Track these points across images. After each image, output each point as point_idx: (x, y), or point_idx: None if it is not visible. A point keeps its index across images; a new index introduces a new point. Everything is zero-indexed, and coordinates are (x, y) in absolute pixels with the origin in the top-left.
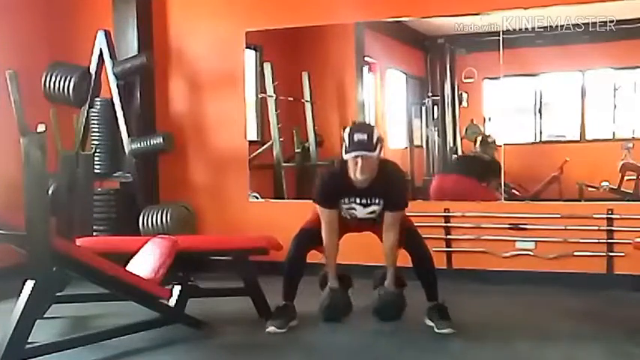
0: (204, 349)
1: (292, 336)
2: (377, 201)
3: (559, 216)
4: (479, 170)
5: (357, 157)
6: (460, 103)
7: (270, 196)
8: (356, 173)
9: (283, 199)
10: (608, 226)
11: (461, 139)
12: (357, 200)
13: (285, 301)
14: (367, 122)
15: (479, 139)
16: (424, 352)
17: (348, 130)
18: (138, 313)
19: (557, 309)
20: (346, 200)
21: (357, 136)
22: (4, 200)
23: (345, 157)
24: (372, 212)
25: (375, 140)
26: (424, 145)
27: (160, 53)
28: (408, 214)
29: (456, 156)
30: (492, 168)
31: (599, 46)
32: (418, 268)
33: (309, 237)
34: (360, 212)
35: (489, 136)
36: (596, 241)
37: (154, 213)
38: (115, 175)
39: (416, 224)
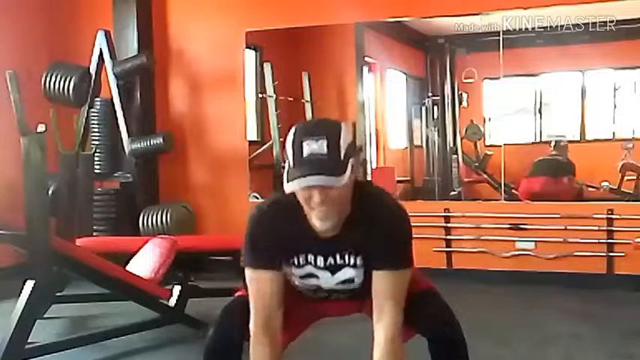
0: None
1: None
2: (354, 260)
3: (559, 216)
4: (559, 170)
5: (310, 187)
6: (460, 103)
7: None
8: (312, 217)
9: None
10: (608, 226)
11: (461, 139)
12: (319, 260)
13: None
14: (328, 120)
15: (552, 142)
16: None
17: (292, 133)
18: (138, 313)
19: (557, 309)
20: (298, 260)
21: (308, 146)
22: (4, 200)
23: (287, 187)
24: (347, 281)
25: (343, 151)
26: (424, 145)
27: (160, 53)
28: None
29: (537, 160)
30: (568, 167)
31: (599, 46)
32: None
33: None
34: (327, 281)
35: (562, 139)
36: (596, 241)
37: (153, 213)
38: (115, 175)
39: (416, 224)
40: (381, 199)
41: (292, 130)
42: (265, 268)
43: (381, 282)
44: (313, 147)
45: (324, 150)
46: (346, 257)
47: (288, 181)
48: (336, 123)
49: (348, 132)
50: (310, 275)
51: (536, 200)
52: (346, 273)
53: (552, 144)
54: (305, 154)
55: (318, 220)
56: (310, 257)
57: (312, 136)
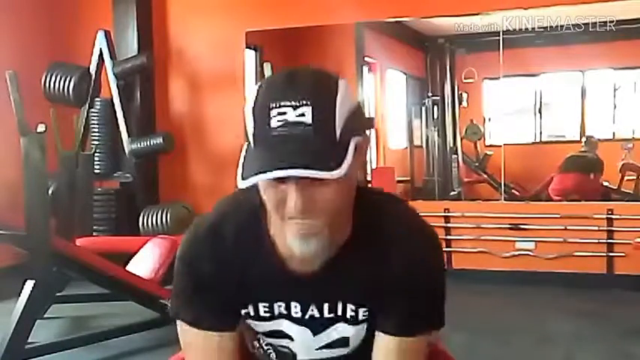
0: None
1: None
2: (354, 312)
3: (559, 216)
4: (590, 167)
5: (281, 181)
6: (460, 103)
7: None
8: (287, 235)
9: None
10: (608, 226)
11: (461, 139)
12: (294, 309)
13: None
14: (316, 70)
15: (583, 139)
16: None
17: (255, 92)
18: (138, 313)
19: (557, 309)
20: (258, 309)
21: (279, 115)
22: (4, 200)
23: (242, 183)
24: (337, 343)
25: (340, 124)
26: (424, 145)
27: (160, 53)
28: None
29: (569, 155)
30: (598, 164)
31: (599, 46)
32: None
33: None
34: (304, 343)
35: (592, 136)
36: (596, 241)
37: (153, 213)
38: (115, 175)
39: None
40: (402, 216)
41: (256, 88)
42: (211, 327)
43: (391, 354)
44: (289, 116)
45: (308, 120)
46: (340, 307)
47: (243, 175)
48: (328, 76)
49: (350, 91)
50: (279, 334)
51: (569, 198)
52: (338, 331)
53: (583, 140)
54: (274, 125)
55: (296, 240)
56: (279, 306)
57: (287, 98)
